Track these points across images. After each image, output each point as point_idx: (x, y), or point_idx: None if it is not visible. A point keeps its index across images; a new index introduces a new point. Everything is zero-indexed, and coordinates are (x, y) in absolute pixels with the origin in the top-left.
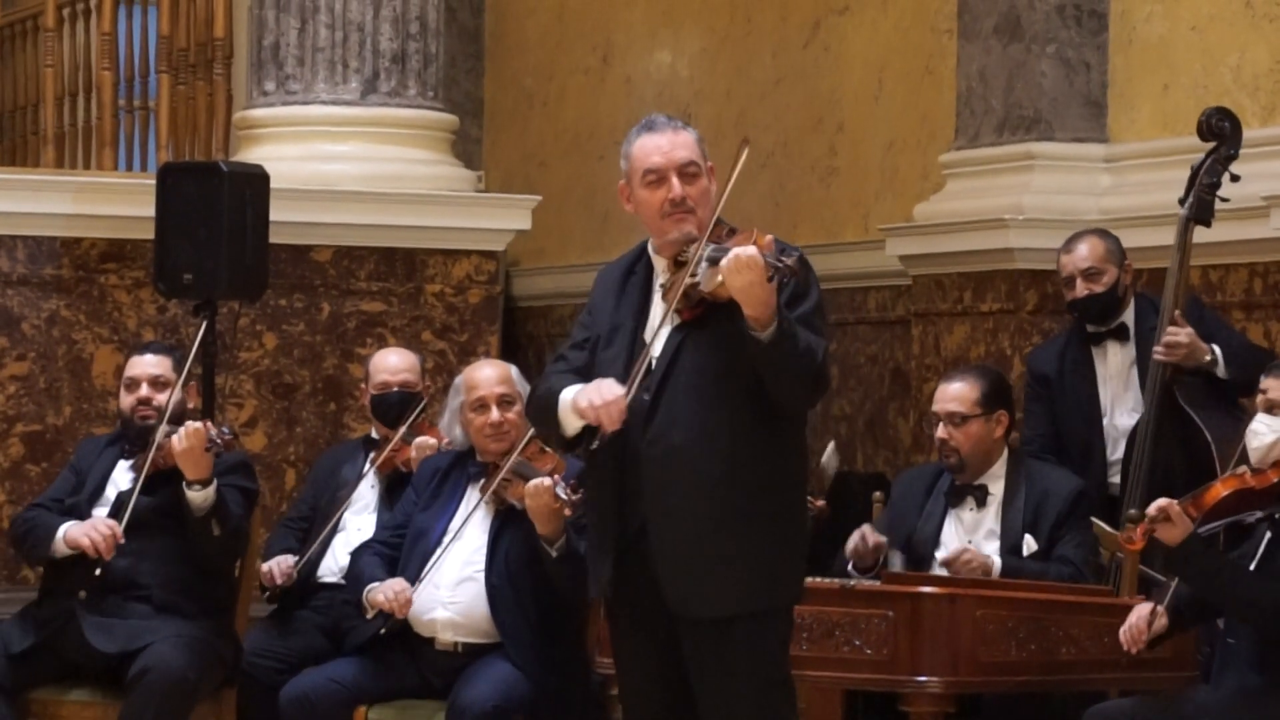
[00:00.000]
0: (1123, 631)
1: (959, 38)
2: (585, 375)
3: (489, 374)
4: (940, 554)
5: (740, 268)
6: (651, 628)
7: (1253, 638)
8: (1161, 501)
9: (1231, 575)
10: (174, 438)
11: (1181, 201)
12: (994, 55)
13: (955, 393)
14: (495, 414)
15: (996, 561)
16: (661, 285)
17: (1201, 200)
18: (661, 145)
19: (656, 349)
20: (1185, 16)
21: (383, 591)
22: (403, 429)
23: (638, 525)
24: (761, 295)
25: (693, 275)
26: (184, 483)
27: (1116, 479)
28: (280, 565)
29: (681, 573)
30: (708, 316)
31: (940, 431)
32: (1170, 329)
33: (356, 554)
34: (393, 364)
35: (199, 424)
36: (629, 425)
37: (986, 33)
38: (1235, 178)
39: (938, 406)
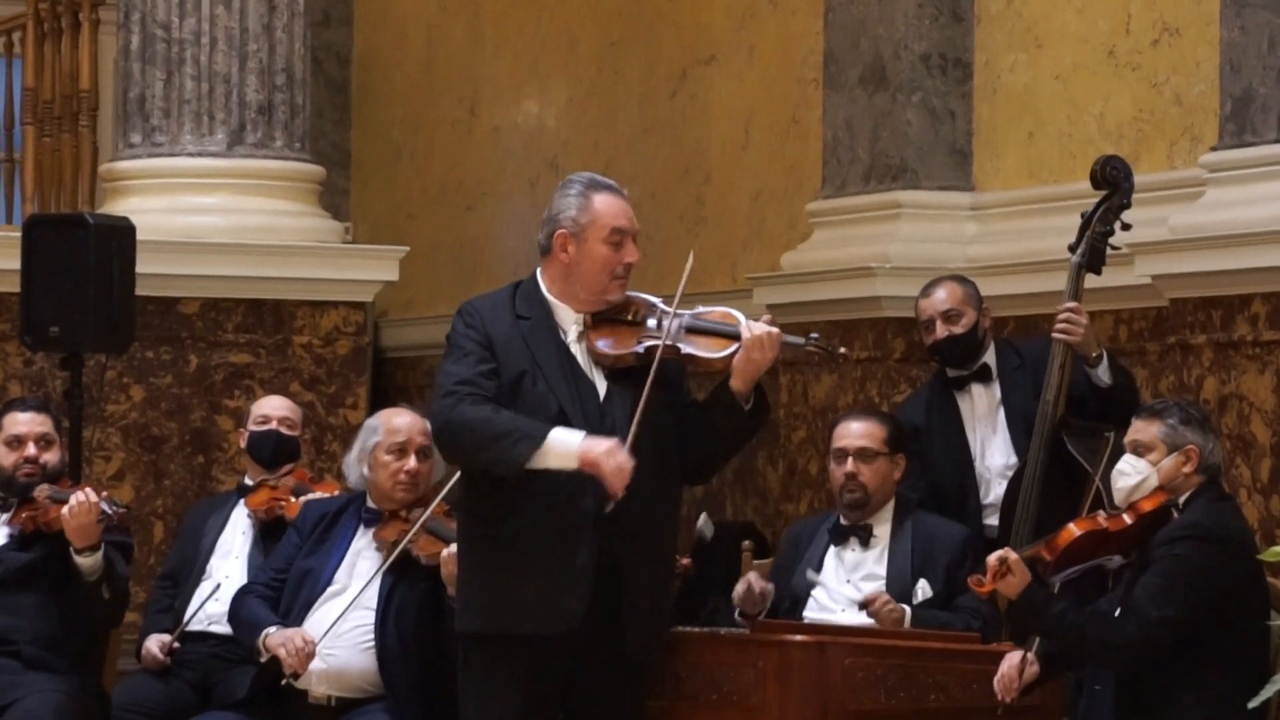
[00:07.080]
0: (996, 681)
1: (825, 88)
2: (503, 405)
3: (411, 421)
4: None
5: (768, 344)
6: (556, 667)
7: (1114, 684)
8: (1002, 552)
9: (1076, 620)
10: (65, 511)
11: (1072, 249)
12: (860, 105)
13: (864, 429)
14: (413, 462)
15: (907, 610)
16: (580, 335)
17: (1094, 248)
18: (627, 210)
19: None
20: (1049, 66)
21: (284, 646)
22: (284, 471)
23: (610, 565)
24: (761, 373)
25: (670, 341)
26: (72, 550)
27: (992, 521)
28: (160, 644)
29: (646, 614)
30: (624, 374)
31: (848, 466)
32: (1068, 306)
33: (237, 598)
34: (275, 403)
35: (91, 497)
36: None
37: (852, 82)
38: (1126, 226)
39: (844, 443)
